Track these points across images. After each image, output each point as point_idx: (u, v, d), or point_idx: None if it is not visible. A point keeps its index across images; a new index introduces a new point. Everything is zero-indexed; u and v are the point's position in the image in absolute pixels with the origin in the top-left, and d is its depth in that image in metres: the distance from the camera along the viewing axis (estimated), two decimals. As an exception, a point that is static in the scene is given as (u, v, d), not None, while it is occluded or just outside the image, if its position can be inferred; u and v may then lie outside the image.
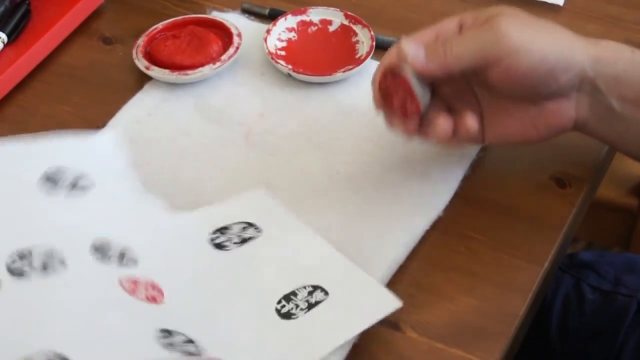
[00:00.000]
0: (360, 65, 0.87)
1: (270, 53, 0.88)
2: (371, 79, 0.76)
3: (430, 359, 0.70)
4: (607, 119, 0.75)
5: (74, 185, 0.76)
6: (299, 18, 0.92)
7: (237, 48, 0.89)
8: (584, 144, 0.81)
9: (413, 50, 0.74)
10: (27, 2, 0.93)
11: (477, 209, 0.78)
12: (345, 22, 0.91)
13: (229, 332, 0.69)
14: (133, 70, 0.89)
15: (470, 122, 0.74)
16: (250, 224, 0.75)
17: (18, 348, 0.66)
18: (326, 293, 0.71)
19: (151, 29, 0.91)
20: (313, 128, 0.84)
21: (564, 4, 0.94)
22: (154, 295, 0.71)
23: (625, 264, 0.98)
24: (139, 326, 0.69)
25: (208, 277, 0.73)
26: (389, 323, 0.70)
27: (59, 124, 0.83)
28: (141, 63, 0.88)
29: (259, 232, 0.75)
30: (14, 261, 0.71)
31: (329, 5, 0.92)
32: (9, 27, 0.91)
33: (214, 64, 0.87)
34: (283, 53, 0.89)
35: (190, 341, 0.68)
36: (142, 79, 0.88)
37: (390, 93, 0.75)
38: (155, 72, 0.87)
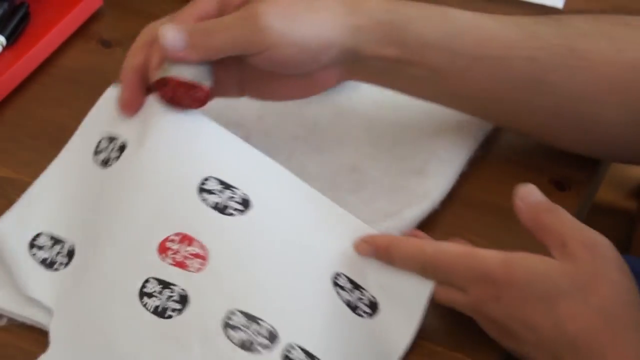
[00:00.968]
0: (360, 68, 0.87)
1: (269, 56, 0.88)
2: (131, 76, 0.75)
3: (429, 362, 0.70)
4: (375, 76, 0.76)
5: None
6: (298, 21, 0.91)
7: (236, 50, 0.88)
8: (584, 147, 0.81)
9: (170, 42, 0.71)
10: (26, 4, 0.93)
11: (477, 212, 0.78)
12: (345, 25, 0.91)
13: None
14: (132, 73, 0.89)
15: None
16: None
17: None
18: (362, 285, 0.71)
19: (150, 31, 0.91)
20: (312, 130, 0.84)
21: (564, 6, 0.94)
22: None
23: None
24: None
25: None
26: (389, 326, 0.70)
27: (58, 127, 0.83)
28: (140, 66, 0.88)
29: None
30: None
31: (328, 7, 0.92)
32: (8, 30, 0.91)
33: (213, 66, 0.87)
34: (282, 56, 0.89)
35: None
36: (141, 82, 0.88)
37: (175, 96, 0.73)
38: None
